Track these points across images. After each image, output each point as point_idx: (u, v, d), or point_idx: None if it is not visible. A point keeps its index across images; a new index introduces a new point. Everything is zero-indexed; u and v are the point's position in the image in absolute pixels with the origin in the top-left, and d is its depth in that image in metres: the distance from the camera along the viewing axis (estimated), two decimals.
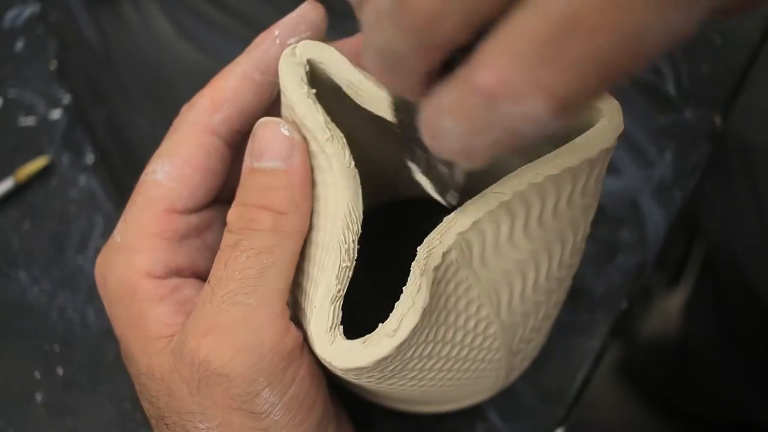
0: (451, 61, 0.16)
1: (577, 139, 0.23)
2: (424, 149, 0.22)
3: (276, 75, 0.26)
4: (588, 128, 0.24)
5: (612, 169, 0.40)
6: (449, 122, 0.16)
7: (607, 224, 0.39)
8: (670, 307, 0.85)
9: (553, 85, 0.14)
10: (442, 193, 0.23)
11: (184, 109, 0.28)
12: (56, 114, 0.43)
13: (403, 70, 0.17)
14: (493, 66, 0.14)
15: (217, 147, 0.28)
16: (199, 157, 0.27)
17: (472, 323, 0.26)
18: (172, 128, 0.28)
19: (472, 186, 0.24)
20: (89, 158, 0.42)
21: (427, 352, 0.25)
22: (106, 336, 0.39)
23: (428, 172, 0.23)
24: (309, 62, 0.25)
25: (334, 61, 0.25)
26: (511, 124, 0.15)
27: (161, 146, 0.28)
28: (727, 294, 0.65)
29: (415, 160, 0.23)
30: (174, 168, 0.27)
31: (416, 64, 0.16)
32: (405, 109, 0.22)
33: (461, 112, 0.15)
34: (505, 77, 0.14)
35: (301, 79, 0.25)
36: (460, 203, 0.24)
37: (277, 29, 0.27)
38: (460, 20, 0.15)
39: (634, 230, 0.39)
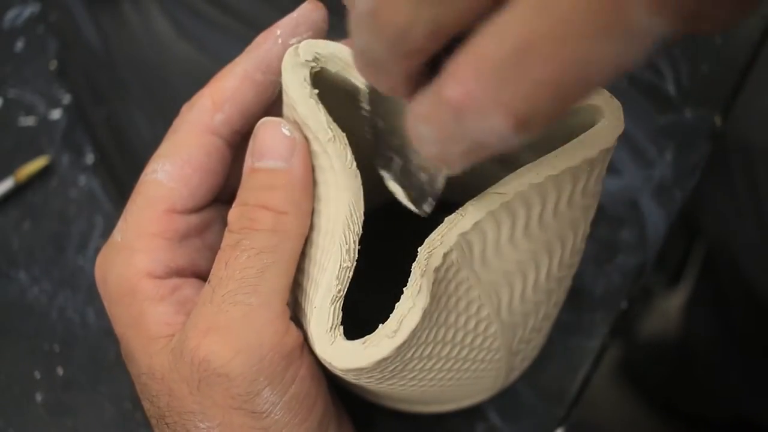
0: (438, 62, 0.16)
1: (578, 139, 0.23)
2: (402, 156, 0.23)
3: (277, 74, 0.26)
4: (588, 128, 0.24)
5: (612, 169, 0.40)
6: (425, 128, 0.17)
7: (607, 224, 0.39)
8: (670, 307, 0.85)
9: (512, 103, 0.15)
10: (417, 201, 0.23)
11: (184, 108, 0.28)
12: (56, 114, 0.43)
13: (384, 71, 0.17)
14: (459, 80, 0.15)
15: (218, 147, 0.28)
16: (199, 157, 0.27)
17: (472, 323, 0.26)
18: (172, 128, 0.28)
19: (472, 186, 0.24)
20: (89, 158, 0.42)
21: (427, 352, 0.25)
22: (106, 336, 0.39)
23: (403, 180, 0.23)
24: (312, 62, 0.25)
25: (337, 61, 0.25)
26: (477, 136, 0.16)
27: (161, 146, 0.28)
28: (727, 294, 0.65)
29: (388, 167, 0.23)
30: (174, 168, 0.27)
31: (395, 68, 0.17)
32: (384, 114, 0.22)
33: (434, 121, 0.16)
34: (470, 92, 0.15)
35: (304, 79, 0.25)
36: (461, 203, 0.24)
37: (279, 29, 0.27)
38: (428, 33, 0.16)
39: (634, 230, 0.39)
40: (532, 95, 0.15)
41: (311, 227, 0.26)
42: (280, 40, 0.27)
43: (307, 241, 0.26)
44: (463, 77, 0.15)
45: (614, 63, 0.15)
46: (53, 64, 0.44)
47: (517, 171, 0.23)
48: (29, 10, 0.45)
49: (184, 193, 0.27)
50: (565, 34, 0.14)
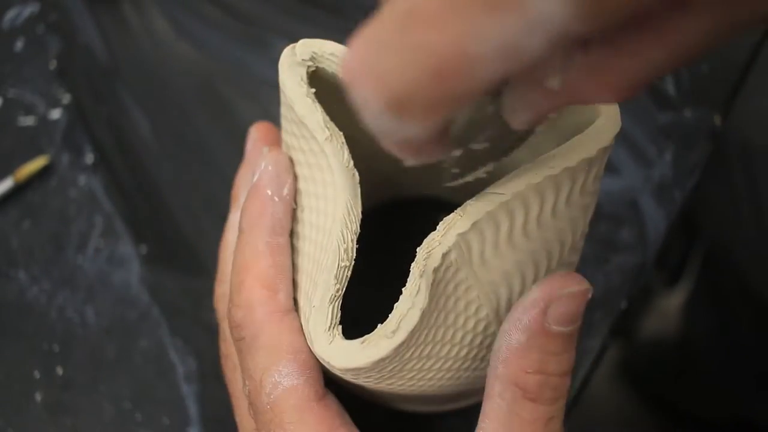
0: None
1: (575, 138, 0.23)
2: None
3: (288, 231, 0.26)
4: (586, 127, 0.24)
5: (611, 168, 0.40)
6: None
7: (607, 224, 0.39)
8: (669, 307, 0.85)
9: (386, 76, 0.14)
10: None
11: (233, 312, 0.27)
12: (56, 114, 0.43)
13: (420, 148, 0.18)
14: (348, 52, 0.15)
15: (296, 315, 0.27)
16: (295, 340, 0.26)
17: (471, 323, 0.26)
18: (248, 339, 0.26)
19: (471, 185, 0.24)
20: (89, 158, 0.42)
21: (426, 352, 0.25)
22: (106, 335, 0.39)
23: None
24: (308, 61, 0.25)
25: (333, 60, 0.25)
26: (366, 117, 0.15)
27: (253, 357, 0.26)
28: (727, 294, 0.65)
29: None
30: (293, 366, 0.26)
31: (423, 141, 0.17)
32: None
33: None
34: (348, 63, 0.15)
35: (301, 79, 0.25)
36: (459, 203, 0.24)
37: (267, 189, 0.27)
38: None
39: (634, 230, 0.39)
40: (409, 68, 0.14)
41: (310, 225, 0.26)
42: (276, 198, 0.27)
43: (306, 240, 0.26)
44: (350, 49, 0.15)
45: (502, 46, 0.13)
46: (53, 64, 0.44)
47: (516, 171, 0.23)
48: (29, 10, 0.45)
49: (315, 377, 0.26)
50: (454, 3, 0.13)
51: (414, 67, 0.14)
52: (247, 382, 0.26)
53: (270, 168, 0.27)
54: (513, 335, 0.24)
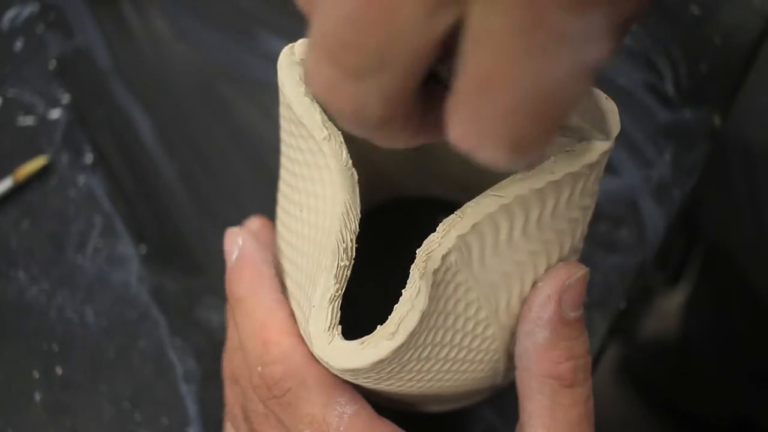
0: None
1: (577, 144, 0.23)
2: None
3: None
4: (584, 129, 0.24)
5: (611, 168, 0.40)
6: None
7: (606, 224, 0.39)
8: (669, 307, 0.85)
9: (498, 133, 0.16)
10: None
11: (271, 366, 0.27)
12: (55, 113, 0.43)
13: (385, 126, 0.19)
14: (452, 125, 0.17)
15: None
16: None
17: (470, 325, 0.26)
18: (286, 383, 0.27)
19: (471, 185, 0.24)
20: (88, 158, 0.42)
21: (425, 354, 0.25)
22: (105, 335, 0.39)
23: None
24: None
25: None
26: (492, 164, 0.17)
27: (308, 398, 0.27)
28: (726, 294, 0.65)
29: None
30: (347, 393, 0.27)
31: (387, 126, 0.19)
32: None
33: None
34: (465, 134, 0.16)
35: (299, 78, 0.25)
36: (459, 204, 0.24)
37: (256, 256, 0.29)
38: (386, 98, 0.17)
39: (633, 230, 0.39)
40: (511, 122, 0.15)
41: (309, 225, 0.26)
42: (264, 264, 0.29)
43: (305, 240, 0.26)
44: (452, 122, 0.16)
45: (567, 67, 0.15)
46: (52, 64, 0.44)
47: (517, 174, 0.23)
48: (28, 10, 0.45)
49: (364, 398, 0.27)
50: (505, 60, 0.15)
51: (520, 122, 0.16)
52: (307, 429, 0.26)
53: (251, 240, 0.29)
54: (537, 333, 0.26)
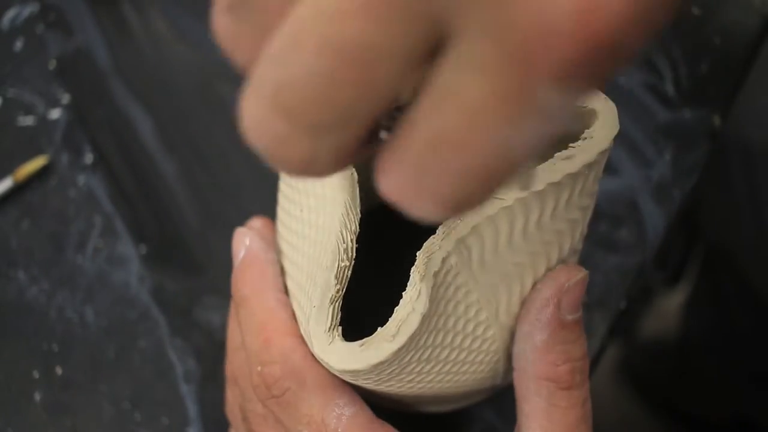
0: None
1: (576, 144, 0.23)
2: None
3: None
4: (584, 131, 0.24)
5: (611, 169, 0.40)
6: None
7: (606, 224, 0.39)
8: (669, 307, 0.85)
9: (439, 192, 0.15)
10: None
11: (270, 366, 0.27)
12: (55, 113, 0.43)
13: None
14: (388, 176, 0.15)
15: None
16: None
17: (470, 327, 0.26)
18: (285, 382, 0.27)
19: None
20: (88, 158, 0.42)
21: (425, 356, 0.25)
22: (105, 335, 0.39)
23: None
24: None
25: None
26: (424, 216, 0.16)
27: (307, 398, 0.27)
28: (726, 294, 0.65)
29: None
30: (346, 394, 0.27)
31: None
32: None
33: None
34: (399, 188, 0.15)
35: None
36: None
37: (261, 256, 0.29)
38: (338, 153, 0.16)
39: (633, 230, 0.39)
40: (457, 183, 0.15)
41: (310, 225, 0.26)
42: (269, 263, 0.29)
43: (306, 240, 0.26)
44: (389, 173, 0.15)
45: (535, 137, 0.14)
46: (52, 64, 0.44)
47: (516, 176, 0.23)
48: (28, 10, 0.45)
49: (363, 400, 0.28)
50: (473, 124, 0.14)
51: (463, 184, 0.15)
52: (305, 430, 0.27)
53: (257, 240, 0.30)
54: (536, 336, 0.26)
